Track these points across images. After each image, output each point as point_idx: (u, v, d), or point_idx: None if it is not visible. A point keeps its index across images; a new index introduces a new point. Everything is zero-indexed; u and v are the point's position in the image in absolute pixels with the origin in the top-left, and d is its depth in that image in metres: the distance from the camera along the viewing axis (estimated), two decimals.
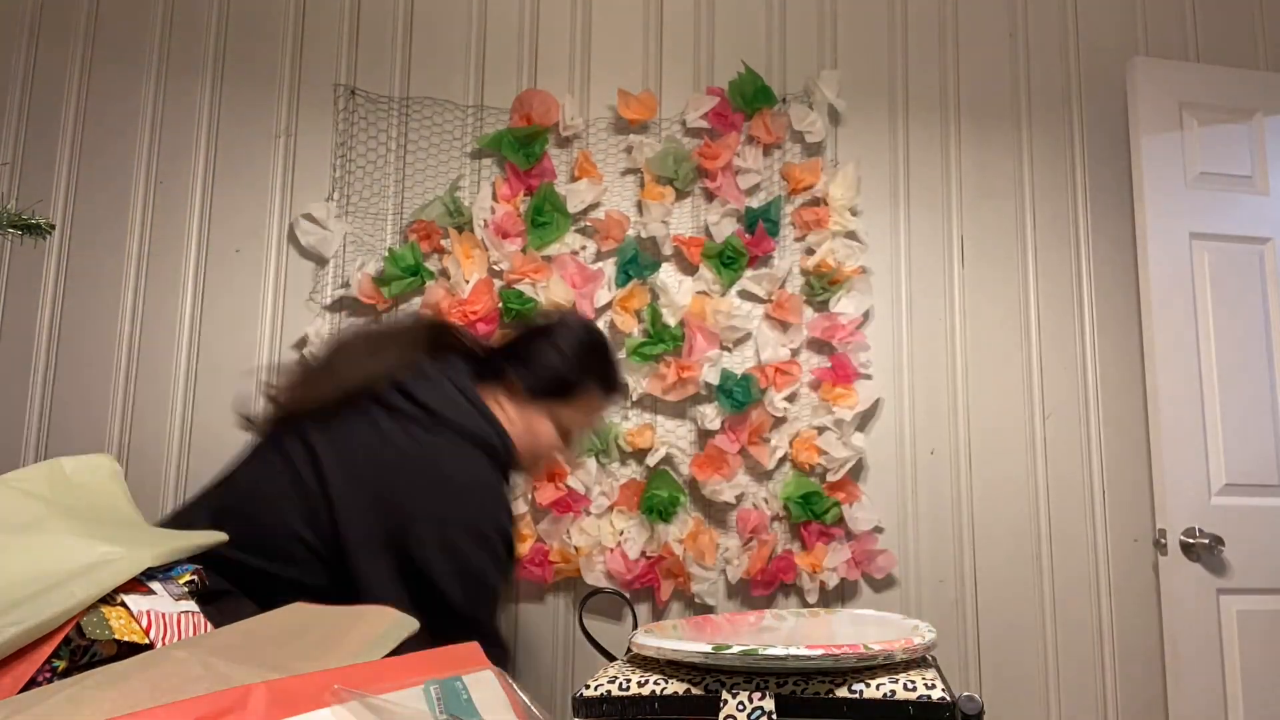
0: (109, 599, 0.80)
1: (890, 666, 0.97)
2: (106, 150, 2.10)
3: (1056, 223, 2.29)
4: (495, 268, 2.10)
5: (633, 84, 2.23)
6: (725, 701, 0.91)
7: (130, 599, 0.81)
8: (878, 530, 2.13)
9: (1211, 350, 2.12)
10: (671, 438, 2.11)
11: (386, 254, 2.06)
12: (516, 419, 1.34)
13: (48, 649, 0.74)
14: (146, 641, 0.79)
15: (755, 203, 2.18)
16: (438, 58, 2.22)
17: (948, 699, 0.90)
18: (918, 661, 1.02)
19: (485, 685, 0.68)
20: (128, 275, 2.06)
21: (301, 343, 2.04)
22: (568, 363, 1.37)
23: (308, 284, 2.10)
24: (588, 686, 0.99)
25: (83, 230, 2.07)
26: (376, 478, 1.20)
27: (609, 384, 1.45)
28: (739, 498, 2.08)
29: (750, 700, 0.91)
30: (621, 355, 2.09)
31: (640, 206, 2.17)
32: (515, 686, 0.70)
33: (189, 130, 2.13)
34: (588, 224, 2.15)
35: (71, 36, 2.13)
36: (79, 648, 0.77)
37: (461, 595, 1.18)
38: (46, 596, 0.75)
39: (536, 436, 1.36)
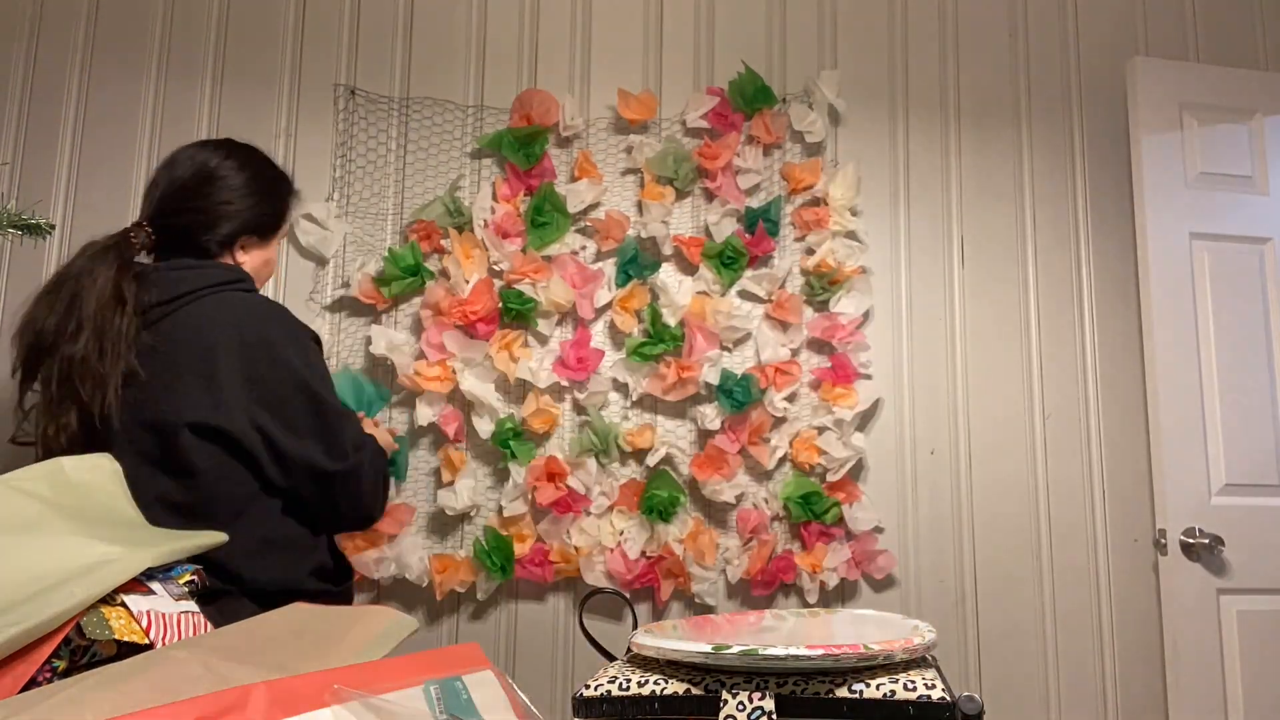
0: (109, 599, 0.80)
1: (890, 666, 0.97)
2: (106, 150, 2.10)
3: (1056, 223, 2.29)
4: (495, 268, 2.10)
5: (633, 84, 2.23)
6: (725, 701, 0.91)
7: (130, 599, 0.81)
8: (878, 530, 2.13)
9: (1211, 350, 2.12)
10: (671, 438, 2.10)
11: (386, 254, 2.06)
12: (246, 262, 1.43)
13: (48, 649, 0.74)
14: (146, 641, 0.79)
15: (755, 203, 2.18)
16: (438, 58, 2.22)
17: (948, 699, 0.90)
18: (918, 661, 1.02)
19: (485, 685, 0.68)
20: None
21: None
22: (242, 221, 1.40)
23: (308, 284, 2.10)
24: (588, 686, 0.99)
25: (83, 230, 2.07)
26: (229, 378, 1.26)
27: (280, 206, 1.47)
28: (739, 498, 2.08)
29: (750, 700, 0.91)
30: (621, 355, 2.10)
31: (640, 206, 2.17)
32: (515, 686, 0.70)
33: (189, 130, 2.13)
34: (588, 224, 2.15)
35: (71, 36, 2.13)
36: (79, 648, 0.77)
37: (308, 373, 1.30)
38: (46, 596, 0.75)
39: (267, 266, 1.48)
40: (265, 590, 1.24)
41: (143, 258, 1.37)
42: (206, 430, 1.25)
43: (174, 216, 1.36)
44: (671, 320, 2.09)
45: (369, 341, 2.04)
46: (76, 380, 1.24)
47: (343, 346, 2.08)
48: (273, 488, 1.29)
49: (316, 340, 1.38)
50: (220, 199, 1.38)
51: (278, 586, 1.25)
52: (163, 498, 1.23)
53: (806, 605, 2.08)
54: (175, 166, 1.39)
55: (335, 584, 1.37)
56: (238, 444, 1.25)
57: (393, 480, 1.67)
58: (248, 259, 1.41)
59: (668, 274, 2.16)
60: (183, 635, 0.83)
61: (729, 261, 2.12)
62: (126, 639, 0.79)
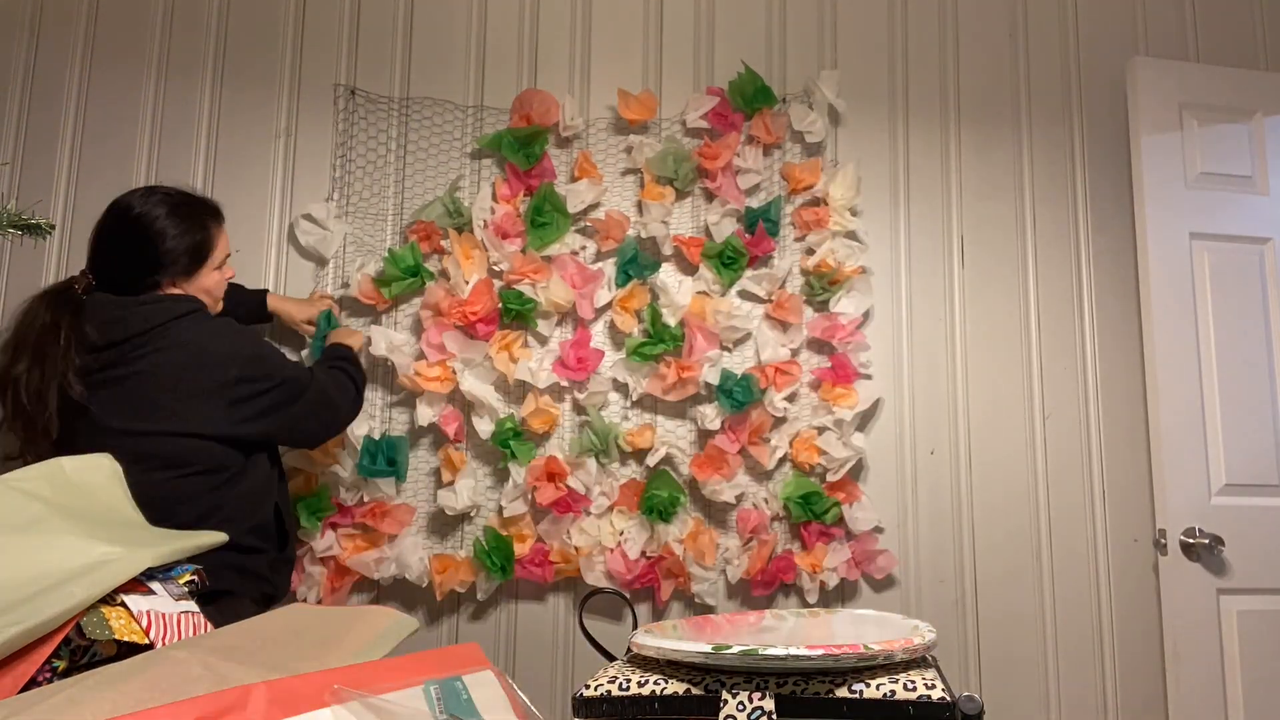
0: (109, 599, 0.80)
1: (890, 666, 0.97)
2: (106, 151, 2.10)
3: (1056, 223, 2.29)
4: (495, 268, 2.10)
5: (633, 84, 2.23)
6: (725, 701, 0.91)
7: (130, 599, 0.81)
8: (878, 530, 2.13)
9: (1211, 350, 2.12)
10: (671, 438, 2.10)
11: (386, 254, 2.06)
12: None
13: (48, 649, 0.74)
14: (146, 641, 0.79)
15: (755, 203, 2.18)
16: (438, 58, 2.22)
17: (948, 699, 0.90)
18: (918, 661, 1.02)
19: (485, 685, 0.68)
20: None
21: (302, 343, 2.04)
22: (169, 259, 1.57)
23: (308, 284, 2.10)
24: (588, 686, 0.99)
25: (83, 230, 2.06)
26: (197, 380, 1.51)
27: (198, 236, 1.61)
28: (739, 498, 2.08)
29: (750, 700, 0.91)
30: (621, 355, 2.10)
31: (640, 206, 2.17)
32: (515, 686, 0.70)
33: (189, 130, 2.13)
34: (588, 224, 2.15)
35: (71, 36, 2.13)
36: (79, 648, 0.77)
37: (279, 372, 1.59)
38: (46, 596, 0.75)
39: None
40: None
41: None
42: (198, 436, 1.49)
43: (109, 267, 1.57)
44: (671, 320, 2.09)
45: (369, 342, 2.04)
46: (22, 396, 1.45)
47: None
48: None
49: (256, 335, 1.71)
50: (145, 250, 1.56)
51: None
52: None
53: (806, 605, 2.08)
54: (106, 215, 1.59)
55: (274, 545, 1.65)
56: (226, 438, 1.52)
57: (394, 474, 2.02)
58: (181, 292, 1.58)
59: (668, 274, 2.16)
60: (183, 635, 0.83)
61: (729, 261, 2.12)
62: (126, 639, 0.79)
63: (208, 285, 1.62)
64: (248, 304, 1.93)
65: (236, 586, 1.49)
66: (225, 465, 1.52)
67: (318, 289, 2.09)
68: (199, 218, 1.61)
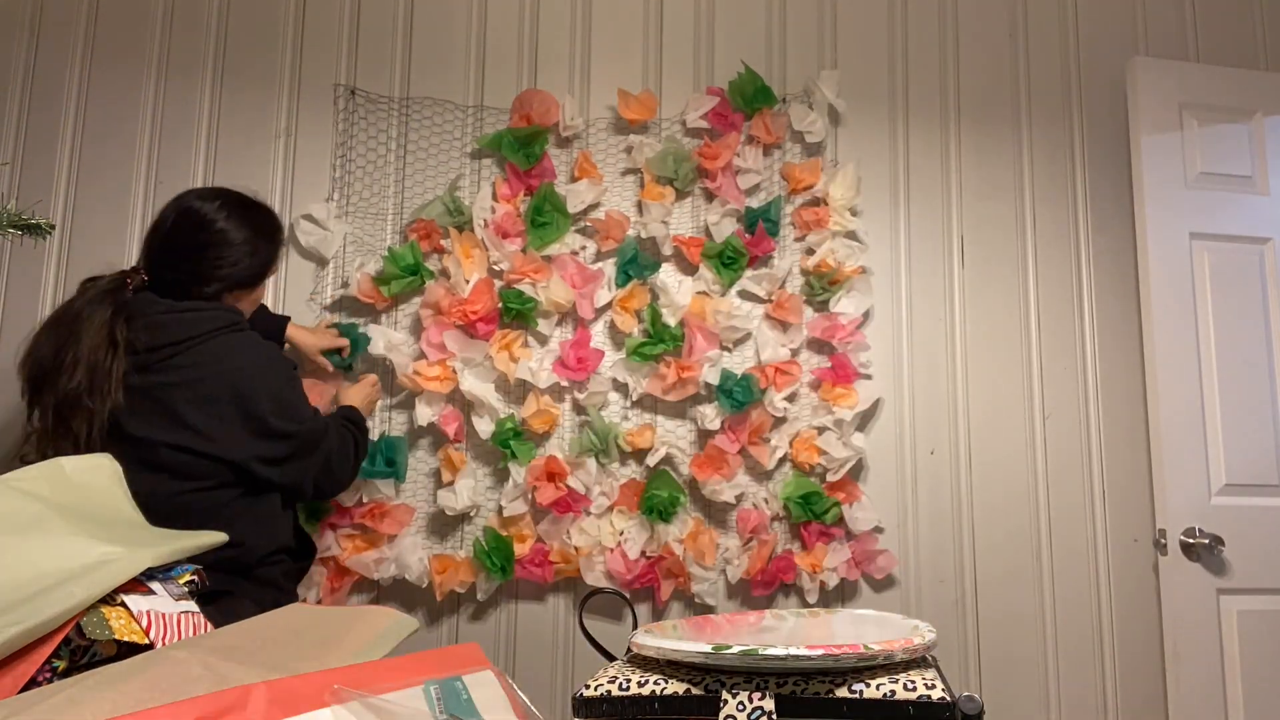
0: (109, 599, 0.80)
1: (890, 666, 0.97)
2: (106, 151, 2.10)
3: (1056, 223, 2.29)
4: (495, 267, 2.10)
5: (633, 84, 2.23)
6: (725, 701, 0.92)
7: (130, 599, 0.81)
8: (878, 530, 2.13)
9: (1211, 350, 2.12)
10: (671, 438, 2.10)
11: (386, 254, 2.06)
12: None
13: (48, 649, 0.74)
14: (146, 641, 0.79)
15: (755, 203, 2.18)
16: (438, 58, 2.22)
17: (948, 699, 0.90)
18: (918, 661, 1.02)
19: (485, 685, 0.68)
20: None
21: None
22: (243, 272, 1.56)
23: (308, 284, 2.10)
24: (588, 686, 0.99)
25: (83, 230, 2.07)
26: (219, 397, 1.47)
27: (271, 255, 1.62)
28: (739, 498, 2.08)
29: (750, 700, 0.91)
30: (621, 355, 2.10)
31: (640, 206, 2.17)
32: (515, 686, 0.71)
33: (189, 130, 2.13)
34: (588, 224, 2.15)
35: (71, 36, 2.13)
36: (79, 648, 0.77)
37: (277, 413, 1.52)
38: (46, 596, 0.75)
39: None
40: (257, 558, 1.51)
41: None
42: (219, 459, 1.47)
43: (168, 269, 1.52)
44: (671, 320, 2.09)
45: (368, 341, 2.04)
46: (67, 413, 1.40)
47: None
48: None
49: (294, 366, 1.64)
50: (212, 260, 1.53)
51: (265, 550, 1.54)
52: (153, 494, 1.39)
53: (806, 605, 2.08)
54: (178, 217, 1.54)
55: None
56: (237, 465, 1.48)
57: (394, 475, 2.02)
58: (232, 303, 1.57)
59: (668, 274, 2.16)
60: (183, 635, 0.83)
61: (729, 261, 2.12)
62: (126, 639, 0.79)
63: (257, 298, 1.62)
64: (269, 328, 1.87)
65: (256, 594, 1.47)
66: (240, 483, 1.51)
67: (322, 320, 2.06)
68: (275, 236, 1.61)
